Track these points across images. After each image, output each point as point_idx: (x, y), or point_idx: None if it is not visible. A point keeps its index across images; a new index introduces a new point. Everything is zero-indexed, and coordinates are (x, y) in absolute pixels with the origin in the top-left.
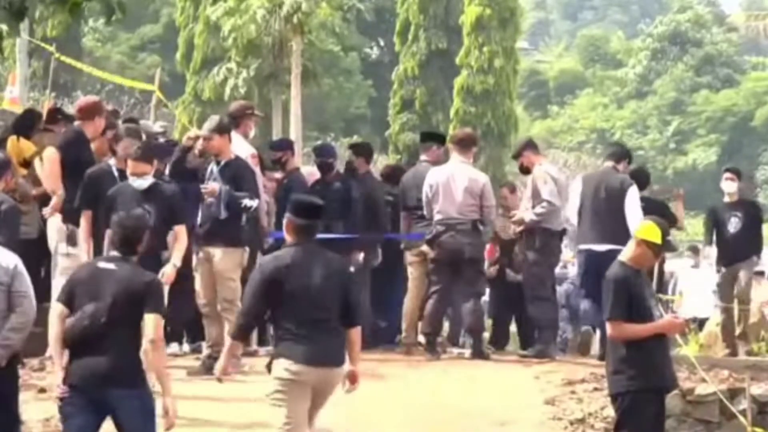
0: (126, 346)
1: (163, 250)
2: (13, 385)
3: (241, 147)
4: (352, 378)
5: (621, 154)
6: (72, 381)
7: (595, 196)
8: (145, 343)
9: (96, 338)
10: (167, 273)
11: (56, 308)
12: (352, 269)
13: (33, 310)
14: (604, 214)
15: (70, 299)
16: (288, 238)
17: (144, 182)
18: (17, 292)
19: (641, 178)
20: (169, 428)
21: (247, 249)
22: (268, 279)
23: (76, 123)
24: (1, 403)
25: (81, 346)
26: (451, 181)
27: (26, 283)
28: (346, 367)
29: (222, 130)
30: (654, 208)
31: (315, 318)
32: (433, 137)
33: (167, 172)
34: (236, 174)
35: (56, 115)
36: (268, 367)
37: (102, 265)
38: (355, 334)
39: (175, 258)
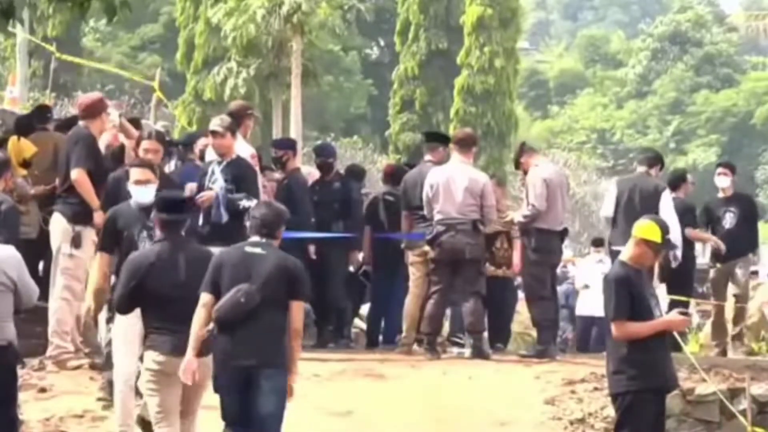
0: (275, 325)
1: None
2: (12, 386)
3: (242, 147)
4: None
5: (654, 159)
6: (225, 357)
7: (630, 200)
8: (291, 332)
9: (250, 316)
10: None
11: (203, 298)
12: (351, 268)
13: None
14: (636, 217)
15: (215, 286)
16: (158, 233)
17: (148, 192)
18: None
19: (678, 180)
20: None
21: None
22: (133, 275)
23: (81, 122)
24: (1, 404)
25: (235, 324)
26: (451, 181)
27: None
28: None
29: (233, 130)
30: (683, 210)
31: (180, 311)
32: (439, 138)
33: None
34: (237, 173)
35: (47, 113)
36: None
37: (249, 249)
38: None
39: None
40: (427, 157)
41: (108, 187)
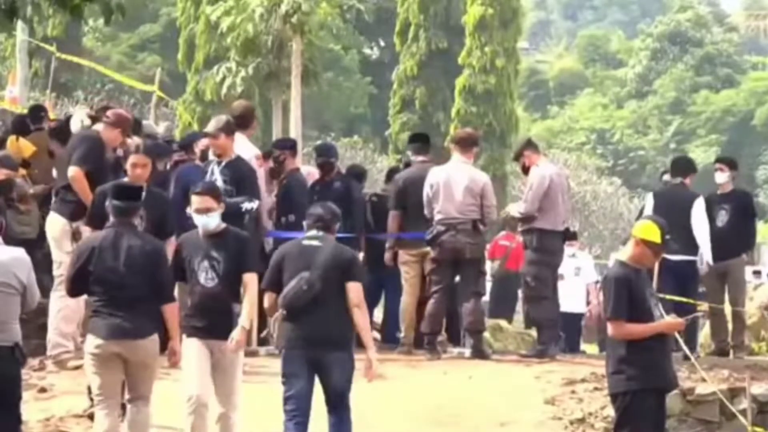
0: (338, 311)
1: (235, 303)
2: (19, 387)
3: (247, 148)
4: (171, 352)
5: (687, 168)
6: (292, 343)
7: (667, 211)
8: (352, 308)
9: (313, 303)
10: (236, 339)
11: (267, 297)
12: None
13: None
14: (674, 227)
15: (277, 283)
16: (111, 219)
17: (210, 221)
18: None
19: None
20: (370, 380)
21: None
22: (78, 258)
23: (97, 125)
24: (5, 404)
25: (300, 311)
26: (451, 181)
27: None
28: (148, 341)
29: (229, 130)
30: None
31: (118, 295)
32: (422, 139)
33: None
34: (237, 174)
35: (39, 113)
36: None
37: (306, 242)
38: (168, 310)
39: (244, 317)
40: (420, 158)
41: (95, 201)
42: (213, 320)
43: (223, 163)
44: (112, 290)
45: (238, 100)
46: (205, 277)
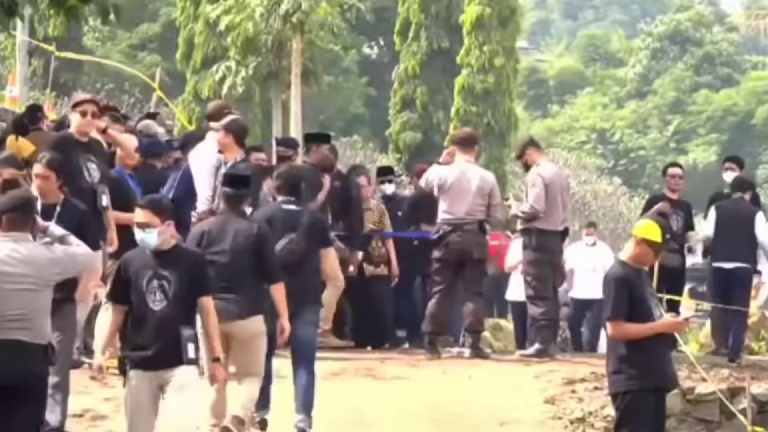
0: (314, 270)
1: (185, 326)
2: (45, 388)
3: (213, 147)
4: (280, 330)
5: (747, 186)
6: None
7: (728, 222)
8: (328, 279)
9: (297, 261)
10: (213, 376)
11: None
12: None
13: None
14: (734, 237)
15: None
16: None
17: (148, 238)
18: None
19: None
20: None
21: None
22: (189, 244)
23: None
24: (32, 404)
25: (285, 269)
26: (463, 181)
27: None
28: (253, 321)
29: (229, 129)
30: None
31: (225, 275)
32: (319, 138)
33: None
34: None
35: (37, 113)
36: None
37: (285, 206)
38: (275, 290)
39: (215, 348)
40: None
41: None
42: (160, 347)
43: (229, 165)
44: (220, 271)
45: (238, 99)
46: (153, 299)
